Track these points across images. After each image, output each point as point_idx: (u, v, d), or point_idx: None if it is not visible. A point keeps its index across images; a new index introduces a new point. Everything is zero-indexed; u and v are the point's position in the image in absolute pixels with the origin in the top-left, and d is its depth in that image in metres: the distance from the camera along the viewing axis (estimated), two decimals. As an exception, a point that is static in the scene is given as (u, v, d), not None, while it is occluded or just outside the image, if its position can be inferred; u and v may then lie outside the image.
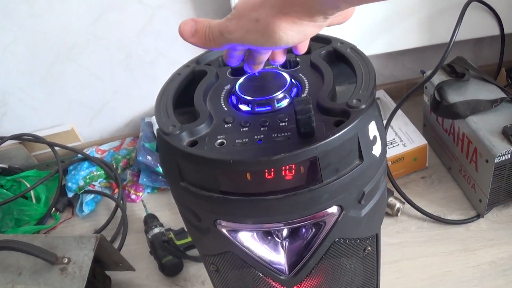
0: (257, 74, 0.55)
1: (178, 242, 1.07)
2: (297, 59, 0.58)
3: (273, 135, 0.48)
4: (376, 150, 0.50)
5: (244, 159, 0.45)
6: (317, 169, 0.46)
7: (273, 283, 0.60)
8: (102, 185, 1.32)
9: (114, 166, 1.33)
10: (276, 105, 0.51)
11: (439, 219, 1.07)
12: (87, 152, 1.37)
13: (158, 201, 1.28)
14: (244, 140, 0.48)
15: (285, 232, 0.56)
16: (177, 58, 1.30)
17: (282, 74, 0.54)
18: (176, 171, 0.50)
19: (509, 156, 0.94)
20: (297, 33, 0.40)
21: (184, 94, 0.57)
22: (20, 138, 1.36)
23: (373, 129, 0.49)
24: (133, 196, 1.29)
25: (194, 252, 1.07)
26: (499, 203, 1.05)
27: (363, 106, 0.47)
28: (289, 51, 0.53)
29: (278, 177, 0.46)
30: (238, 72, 0.57)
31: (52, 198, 1.29)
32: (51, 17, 1.20)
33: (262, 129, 0.49)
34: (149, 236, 1.10)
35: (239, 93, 0.53)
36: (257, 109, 0.51)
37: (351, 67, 0.54)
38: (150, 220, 1.15)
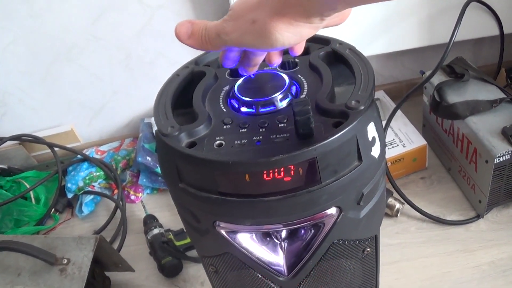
0: (252, 76, 0.55)
1: (177, 243, 1.07)
2: (296, 60, 0.58)
3: (271, 136, 0.48)
4: (375, 151, 0.50)
5: (242, 160, 0.45)
6: (316, 170, 0.46)
7: (272, 284, 0.60)
8: (102, 186, 1.32)
9: (114, 167, 1.33)
10: (275, 106, 0.51)
11: (438, 219, 1.07)
12: (87, 153, 1.37)
13: (158, 201, 1.28)
14: (242, 141, 0.48)
15: (284, 233, 0.56)
16: (176, 58, 1.30)
17: (281, 75, 0.54)
18: (174, 172, 0.50)
19: (508, 157, 0.94)
20: (293, 35, 0.40)
21: (183, 95, 0.57)
22: (19, 138, 1.36)
23: (372, 130, 0.49)
24: (132, 197, 1.29)
25: (194, 253, 1.07)
26: (498, 203, 1.05)
27: (362, 107, 0.47)
28: (285, 52, 0.53)
29: (277, 178, 0.46)
30: (237, 73, 0.57)
31: (52, 198, 1.29)
32: (50, 17, 1.20)
33: (260, 130, 0.49)
34: (149, 237, 1.10)
35: (238, 94, 0.53)
36: (255, 110, 0.51)
37: (350, 68, 0.54)
38: (150, 221, 1.15)
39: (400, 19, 1.16)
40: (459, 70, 1.10)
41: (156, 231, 1.10)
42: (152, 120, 1.38)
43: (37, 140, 1.37)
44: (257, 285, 0.61)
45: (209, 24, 0.43)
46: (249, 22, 0.40)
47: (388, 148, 1.14)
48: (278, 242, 0.56)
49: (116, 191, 1.30)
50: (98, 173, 1.31)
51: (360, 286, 0.67)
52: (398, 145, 1.14)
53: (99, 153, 1.39)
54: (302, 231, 0.55)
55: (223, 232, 0.53)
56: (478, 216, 1.06)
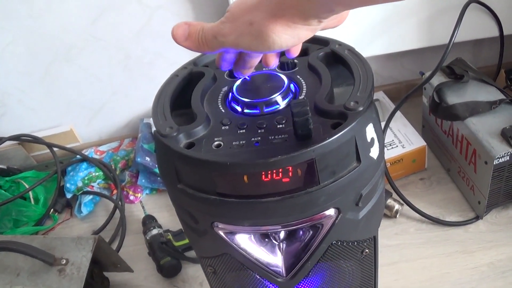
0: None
1: (176, 244, 1.07)
2: (295, 61, 0.58)
3: (270, 137, 0.48)
4: (374, 152, 0.50)
5: (241, 161, 0.45)
6: (314, 171, 0.46)
7: (271, 285, 0.60)
8: (101, 186, 1.32)
9: (113, 167, 1.33)
10: (273, 107, 0.51)
11: (438, 220, 1.07)
12: (86, 153, 1.37)
13: (157, 202, 1.27)
14: (241, 142, 0.48)
15: (282, 235, 0.56)
16: (176, 59, 1.30)
17: (280, 76, 0.54)
18: (173, 173, 0.50)
19: (508, 158, 0.94)
20: (291, 37, 0.40)
21: (181, 96, 0.57)
22: (18, 138, 1.36)
23: (370, 131, 0.49)
24: (131, 197, 1.29)
25: (193, 253, 1.07)
26: (498, 204, 1.05)
27: (361, 109, 0.47)
28: (282, 54, 0.53)
29: (275, 180, 0.46)
30: (236, 73, 0.57)
31: (51, 199, 1.29)
32: (49, 17, 1.19)
33: (259, 131, 0.49)
34: (148, 237, 1.10)
35: (237, 95, 0.53)
36: (254, 111, 0.51)
37: (349, 69, 0.54)
38: (149, 221, 1.15)
39: (400, 20, 1.16)
40: (458, 71, 1.10)
41: (155, 231, 1.10)
42: (151, 120, 1.38)
43: (36, 140, 1.37)
44: (255, 286, 0.61)
45: (206, 26, 0.43)
46: (246, 24, 0.40)
47: (388, 149, 1.14)
48: (277, 243, 0.56)
49: (115, 192, 1.30)
50: (97, 173, 1.31)
51: (358, 287, 0.67)
52: (397, 146, 1.14)
53: (98, 153, 1.39)
54: (301, 232, 0.55)
55: (221, 233, 0.53)
56: (477, 217, 1.06)
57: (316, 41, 0.60)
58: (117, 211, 1.24)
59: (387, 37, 1.18)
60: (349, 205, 0.51)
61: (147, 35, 1.25)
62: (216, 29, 0.42)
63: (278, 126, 0.49)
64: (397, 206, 1.09)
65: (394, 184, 1.09)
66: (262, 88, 0.53)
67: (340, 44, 0.59)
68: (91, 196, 1.29)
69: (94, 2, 1.18)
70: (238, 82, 0.55)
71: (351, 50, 0.57)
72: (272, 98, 0.51)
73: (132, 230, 1.21)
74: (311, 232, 0.54)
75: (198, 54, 0.62)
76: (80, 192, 1.29)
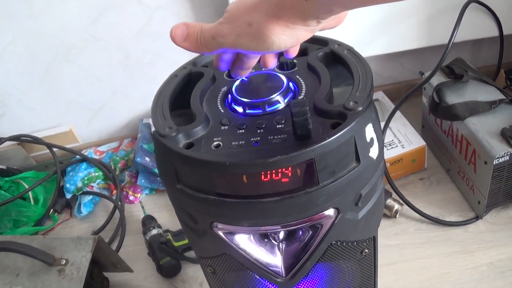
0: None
1: (176, 244, 1.07)
2: (294, 61, 0.58)
3: (269, 137, 0.48)
4: (373, 152, 0.50)
5: (240, 161, 0.45)
6: (313, 171, 0.46)
7: (270, 285, 0.60)
8: (100, 186, 1.32)
9: (112, 167, 1.33)
10: (273, 107, 0.51)
11: (437, 220, 1.07)
12: (85, 153, 1.37)
13: (156, 202, 1.27)
14: (240, 142, 0.48)
15: (281, 235, 0.55)
16: (175, 59, 1.30)
17: (279, 76, 0.54)
18: (172, 173, 0.50)
19: (507, 158, 0.94)
20: (289, 37, 0.39)
21: (180, 96, 0.57)
22: (18, 139, 1.36)
23: (370, 131, 0.49)
24: (131, 197, 1.29)
25: (192, 253, 1.07)
26: (497, 204, 1.05)
27: (360, 108, 0.47)
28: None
29: (275, 180, 0.46)
30: (235, 74, 0.57)
31: (50, 199, 1.29)
32: (49, 17, 1.19)
33: (258, 131, 0.49)
34: (147, 238, 1.10)
35: (236, 95, 0.53)
36: (253, 111, 0.51)
37: (348, 69, 0.54)
38: (148, 221, 1.15)
39: (400, 19, 1.16)
40: (458, 71, 1.10)
41: (154, 231, 1.10)
42: (151, 120, 1.38)
43: (36, 140, 1.37)
44: (255, 286, 0.61)
45: (204, 26, 0.43)
46: (245, 24, 0.40)
47: (387, 149, 1.14)
48: (276, 243, 0.56)
49: (114, 192, 1.30)
50: (96, 174, 1.31)
51: (358, 287, 0.67)
52: (397, 146, 1.14)
53: (98, 153, 1.39)
54: (300, 232, 0.55)
55: (220, 233, 0.53)
56: (477, 217, 1.06)
57: (316, 41, 0.60)
58: (117, 211, 1.24)
59: (387, 37, 1.18)
60: (348, 205, 0.51)
61: (147, 35, 1.25)
62: (214, 30, 0.42)
63: (278, 126, 0.49)
64: (396, 206, 1.08)
65: (394, 184, 1.09)
66: (261, 88, 0.53)
67: (340, 44, 0.58)
68: (90, 196, 1.29)
69: (94, 2, 1.18)
70: (238, 82, 0.55)
71: (351, 50, 0.57)
72: (272, 98, 0.51)
73: (131, 230, 1.21)
74: (310, 232, 0.54)
75: (197, 54, 0.62)
76: (80, 192, 1.29)
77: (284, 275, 0.57)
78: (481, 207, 1.04)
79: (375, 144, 0.50)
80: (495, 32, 1.19)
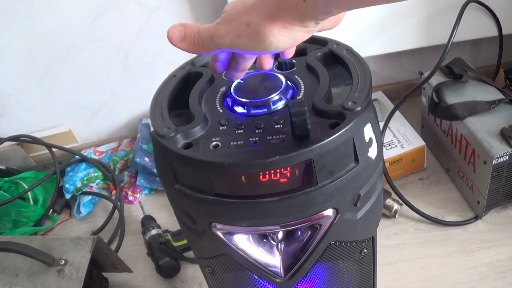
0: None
1: (175, 244, 1.07)
2: (293, 60, 0.58)
3: (268, 138, 0.48)
4: (372, 152, 0.50)
5: (238, 161, 0.45)
6: (312, 171, 0.46)
7: (269, 285, 0.60)
8: (100, 186, 1.32)
9: (112, 168, 1.33)
10: (272, 107, 0.51)
11: (437, 220, 1.07)
12: (85, 154, 1.37)
13: (156, 202, 1.27)
14: (239, 142, 0.48)
15: (280, 235, 0.55)
16: (174, 59, 1.30)
17: (278, 76, 0.54)
18: (170, 173, 0.50)
19: (507, 158, 0.94)
20: (287, 38, 0.39)
21: (179, 96, 0.57)
22: (17, 139, 1.36)
23: (368, 131, 0.49)
24: (130, 198, 1.29)
25: (192, 253, 1.07)
26: (497, 204, 1.05)
27: (359, 108, 0.47)
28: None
29: (273, 180, 0.45)
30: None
31: (50, 199, 1.29)
32: (48, 18, 1.19)
33: (257, 131, 0.49)
34: (147, 238, 1.10)
35: (234, 95, 0.53)
36: (252, 111, 0.51)
37: (347, 69, 0.54)
38: (148, 221, 1.14)
39: (399, 19, 1.16)
40: (457, 71, 1.10)
41: (154, 231, 1.10)
42: (150, 120, 1.38)
43: (35, 140, 1.36)
44: (253, 287, 0.61)
45: (202, 27, 0.42)
46: (243, 25, 0.39)
47: (386, 149, 1.14)
48: (275, 243, 0.56)
49: (114, 192, 1.30)
50: (96, 174, 1.31)
51: (357, 287, 0.67)
52: (396, 146, 1.14)
53: (97, 153, 1.39)
54: (299, 233, 0.55)
55: (219, 233, 0.53)
56: (477, 217, 1.06)
57: (314, 41, 0.60)
58: (116, 211, 1.24)
59: (386, 37, 1.18)
60: (347, 205, 0.51)
61: (146, 35, 1.25)
62: (212, 30, 0.42)
63: (276, 126, 0.49)
64: (396, 206, 1.08)
65: (393, 184, 1.09)
66: (260, 88, 0.53)
67: (338, 44, 0.58)
68: (90, 197, 1.29)
69: (93, 2, 1.18)
70: (236, 82, 0.55)
71: (349, 50, 0.57)
72: (270, 98, 0.51)
73: (131, 231, 1.21)
74: (309, 232, 0.54)
75: (195, 54, 0.62)
76: (79, 192, 1.29)
77: (283, 275, 0.57)
78: (480, 207, 1.04)
79: (374, 144, 0.50)
80: (494, 32, 1.19)
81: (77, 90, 1.34)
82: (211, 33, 0.41)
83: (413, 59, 1.39)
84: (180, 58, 0.77)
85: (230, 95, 0.53)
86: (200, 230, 0.54)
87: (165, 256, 1.05)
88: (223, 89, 0.56)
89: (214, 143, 0.48)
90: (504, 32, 1.18)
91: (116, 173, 1.33)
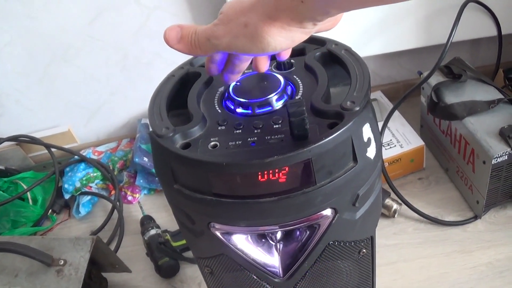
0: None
1: (174, 244, 1.07)
2: (292, 60, 0.58)
3: (266, 138, 0.48)
4: (371, 152, 0.50)
5: (237, 161, 0.45)
6: (310, 171, 0.46)
7: (268, 285, 0.60)
8: (99, 186, 1.32)
9: (111, 168, 1.33)
10: (270, 107, 0.51)
11: (436, 220, 1.07)
12: (84, 154, 1.37)
13: (155, 202, 1.27)
14: (237, 142, 0.48)
15: (279, 235, 0.55)
16: (173, 59, 1.29)
17: (276, 76, 0.54)
18: (169, 173, 0.50)
19: (506, 157, 0.93)
20: (285, 39, 0.39)
21: (178, 96, 0.57)
22: (16, 139, 1.36)
23: (367, 131, 0.49)
24: (129, 198, 1.29)
25: (191, 253, 1.06)
26: (496, 204, 1.05)
27: (357, 108, 0.47)
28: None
29: (272, 180, 0.45)
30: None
31: (49, 199, 1.29)
32: (47, 18, 1.19)
33: (255, 131, 0.49)
34: (146, 238, 1.10)
35: (233, 95, 0.53)
36: (250, 111, 0.51)
37: (346, 68, 0.54)
38: (147, 221, 1.14)
39: (398, 19, 1.16)
40: (456, 70, 1.10)
41: (153, 231, 1.10)
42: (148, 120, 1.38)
43: (34, 141, 1.36)
44: (252, 287, 0.61)
45: (198, 28, 0.42)
46: (241, 25, 0.39)
47: (386, 149, 1.14)
48: (273, 243, 0.56)
49: (113, 192, 1.30)
50: (95, 174, 1.31)
51: (356, 287, 0.67)
52: (395, 145, 1.14)
53: (96, 153, 1.39)
54: (298, 233, 0.55)
55: (218, 233, 0.53)
56: (476, 217, 1.06)
57: (313, 41, 0.60)
58: (115, 211, 1.24)
59: (385, 36, 1.18)
60: (346, 205, 0.51)
61: (145, 35, 1.25)
62: (209, 32, 0.41)
63: (275, 126, 0.49)
64: (395, 206, 1.08)
65: (392, 183, 1.09)
66: (258, 88, 0.53)
67: (337, 44, 0.58)
68: (89, 197, 1.29)
69: (92, 2, 1.18)
70: (234, 82, 0.55)
71: (348, 50, 0.57)
72: (269, 98, 0.51)
73: (130, 231, 1.21)
74: (308, 232, 0.54)
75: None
76: (78, 192, 1.29)
77: (281, 276, 0.57)
78: (479, 206, 1.04)
79: (373, 144, 0.50)
80: (493, 32, 1.19)
81: (76, 90, 1.34)
82: (208, 34, 0.41)
83: (412, 59, 1.39)
84: (180, 58, 0.77)
85: (229, 95, 0.53)
86: (199, 230, 0.54)
87: (164, 256, 1.05)
88: (221, 89, 0.56)
89: (212, 143, 0.48)
90: (503, 32, 1.18)
91: (115, 173, 1.33)
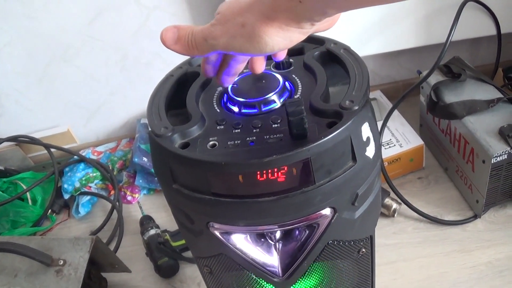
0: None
1: (174, 244, 1.07)
2: (290, 60, 0.58)
3: (265, 137, 0.48)
4: (370, 151, 0.50)
5: (236, 161, 0.45)
6: (309, 171, 0.46)
7: (267, 285, 0.60)
8: (98, 186, 1.32)
9: (110, 168, 1.33)
10: (269, 107, 0.51)
11: (435, 219, 1.07)
12: (83, 154, 1.37)
13: (154, 202, 1.27)
14: (236, 141, 0.48)
15: (278, 234, 0.55)
16: (173, 59, 1.27)
17: (275, 76, 0.54)
18: (168, 173, 0.50)
19: (505, 157, 0.93)
20: (283, 39, 0.39)
21: (176, 95, 0.57)
22: (16, 139, 1.36)
23: (366, 131, 0.49)
24: (129, 198, 1.29)
25: (190, 253, 1.06)
26: (496, 203, 1.05)
27: (356, 107, 0.47)
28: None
29: (271, 179, 0.45)
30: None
31: (48, 199, 1.29)
32: (47, 18, 1.19)
33: (254, 130, 0.49)
34: (145, 238, 1.10)
35: (232, 95, 0.53)
36: (249, 111, 0.51)
37: (345, 68, 0.54)
38: (146, 221, 1.14)
39: (397, 19, 1.16)
40: (456, 70, 1.10)
41: (152, 231, 1.10)
42: (147, 120, 1.38)
43: (33, 141, 1.36)
44: (252, 286, 0.60)
45: (195, 28, 0.42)
46: (238, 25, 0.39)
47: (385, 148, 1.14)
48: (273, 243, 0.56)
49: (112, 192, 1.30)
50: (94, 174, 1.31)
51: (356, 287, 0.67)
52: (395, 145, 1.14)
53: (95, 154, 1.39)
54: (297, 232, 0.55)
55: (217, 233, 0.53)
56: (475, 216, 1.06)
57: (312, 40, 0.60)
58: (115, 211, 1.24)
59: (384, 36, 1.18)
60: (345, 204, 0.51)
61: (145, 35, 1.25)
62: (206, 32, 0.41)
63: (273, 125, 0.49)
64: (395, 205, 1.08)
65: (392, 183, 1.09)
66: (257, 88, 0.53)
67: (336, 43, 0.58)
68: (88, 197, 1.29)
69: (91, 2, 1.18)
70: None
71: (347, 49, 0.57)
72: (268, 97, 0.51)
73: (129, 231, 1.21)
74: (307, 231, 0.54)
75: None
76: (78, 192, 1.29)
77: (281, 275, 0.57)
78: (479, 206, 1.04)
79: (372, 143, 0.50)
80: (493, 31, 1.19)
81: (75, 90, 1.34)
82: (205, 35, 0.41)
83: (411, 58, 1.39)
84: (179, 58, 0.77)
85: (227, 94, 0.53)
86: (198, 230, 0.54)
87: (164, 256, 1.05)
88: (220, 88, 0.56)
89: (211, 143, 0.48)
90: (502, 31, 1.18)
91: (115, 173, 1.33)
